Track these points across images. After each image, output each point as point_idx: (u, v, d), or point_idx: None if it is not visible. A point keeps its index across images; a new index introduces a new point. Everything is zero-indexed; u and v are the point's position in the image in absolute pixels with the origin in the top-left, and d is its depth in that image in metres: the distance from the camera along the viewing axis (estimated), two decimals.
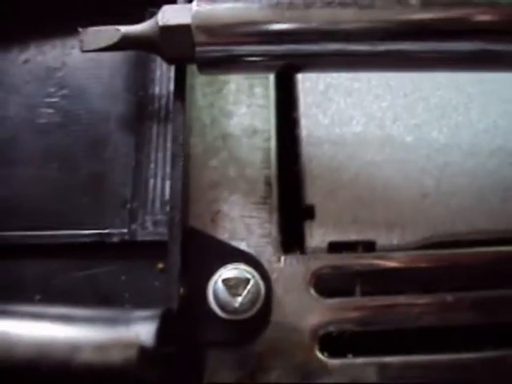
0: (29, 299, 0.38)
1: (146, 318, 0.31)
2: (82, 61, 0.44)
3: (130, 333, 0.29)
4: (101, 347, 0.28)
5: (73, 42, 0.44)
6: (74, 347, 0.28)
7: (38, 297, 0.39)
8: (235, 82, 0.44)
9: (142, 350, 0.28)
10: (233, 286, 0.36)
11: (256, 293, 0.37)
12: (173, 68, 0.40)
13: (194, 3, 0.37)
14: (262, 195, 0.41)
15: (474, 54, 0.37)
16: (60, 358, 0.28)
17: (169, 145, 0.41)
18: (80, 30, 0.39)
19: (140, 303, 0.37)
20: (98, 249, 0.39)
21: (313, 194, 0.41)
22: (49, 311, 0.32)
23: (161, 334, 0.30)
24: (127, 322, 0.30)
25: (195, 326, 0.37)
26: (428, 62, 0.38)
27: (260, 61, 0.38)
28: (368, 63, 0.39)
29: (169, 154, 0.40)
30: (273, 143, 0.42)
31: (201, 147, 0.42)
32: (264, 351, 0.37)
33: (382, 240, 0.40)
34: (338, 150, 0.42)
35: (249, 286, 0.36)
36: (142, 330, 0.30)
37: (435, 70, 0.42)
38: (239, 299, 0.36)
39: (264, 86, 0.44)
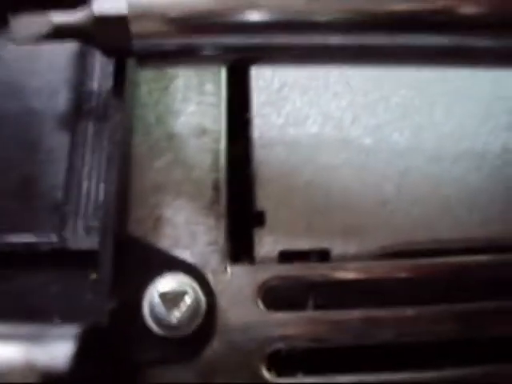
0: None
1: (64, 336, 0.28)
2: (18, 54, 0.41)
3: (39, 354, 0.26)
4: None
5: (7, 33, 0.41)
6: None
7: None
8: (184, 78, 0.41)
9: (47, 377, 0.25)
10: (169, 299, 0.33)
11: (196, 307, 0.34)
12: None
13: None
14: (210, 200, 0.38)
15: (442, 49, 0.34)
16: None
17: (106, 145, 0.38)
18: (10, 18, 0.36)
19: (71, 318, 0.34)
20: (26, 258, 0.36)
21: (264, 200, 0.38)
22: None
23: (81, 353, 0.27)
24: (42, 340, 0.27)
25: (129, 343, 0.34)
26: (391, 57, 0.36)
27: (204, 55, 0.35)
28: (325, 57, 0.36)
29: (105, 154, 0.37)
30: (222, 144, 0.40)
31: (144, 148, 0.39)
32: (206, 370, 0.34)
33: (337, 249, 0.37)
34: (292, 152, 0.39)
35: (187, 300, 0.33)
36: (57, 351, 0.26)
37: (399, 65, 0.39)
38: (177, 314, 0.33)
39: (215, 83, 0.41)
